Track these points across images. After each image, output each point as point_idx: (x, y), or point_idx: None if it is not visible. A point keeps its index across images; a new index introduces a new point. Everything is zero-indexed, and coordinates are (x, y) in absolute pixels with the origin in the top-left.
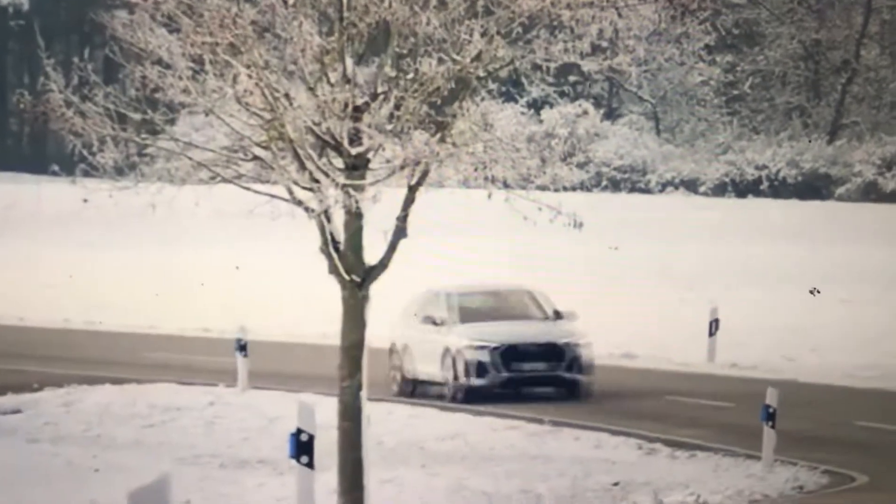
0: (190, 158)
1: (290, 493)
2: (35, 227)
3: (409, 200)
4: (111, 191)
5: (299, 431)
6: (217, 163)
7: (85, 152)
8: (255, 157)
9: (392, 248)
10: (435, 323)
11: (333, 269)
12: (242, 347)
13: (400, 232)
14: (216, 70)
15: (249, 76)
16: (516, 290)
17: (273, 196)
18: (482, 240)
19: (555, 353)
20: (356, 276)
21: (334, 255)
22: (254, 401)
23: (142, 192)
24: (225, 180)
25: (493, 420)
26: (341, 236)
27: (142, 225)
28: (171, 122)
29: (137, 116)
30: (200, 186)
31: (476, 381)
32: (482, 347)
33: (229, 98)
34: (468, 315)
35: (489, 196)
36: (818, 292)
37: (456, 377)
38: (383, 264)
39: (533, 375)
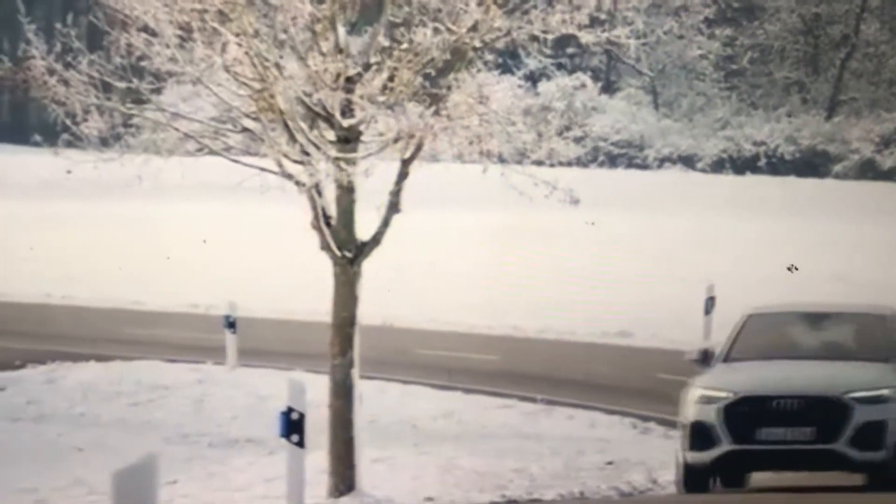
0: (177, 129)
1: (281, 472)
2: (15, 199)
3: (402, 175)
4: (96, 162)
5: (289, 410)
6: (205, 134)
7: (68, 122)
8: (245, 129)
9: (385, 223)
10: (705, 361)
11: (325, 245)
12: (231, 324)
13: (393, 207)
14: (204, 38)
15: (239, 45)
16: (864, 315)
17: (263, 169)
18: (474, 215)
19: (831, 413)
20: (348, 251)
21: (326, 230)
22: (243, 379)
23: (127, 163)
24: (213, 152)
25: (487, 399)
26: (333, 211)
27: (127, 198)
28: (158, 91)
29: (123, 85)
30: (187, 158)
31: (691, 455)
32: (711, 400)
33: (218, 67)
34: (753, 348)
35: (484, 171)
36: (796, 269)
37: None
38: (376, 240)
39: (787, 450)
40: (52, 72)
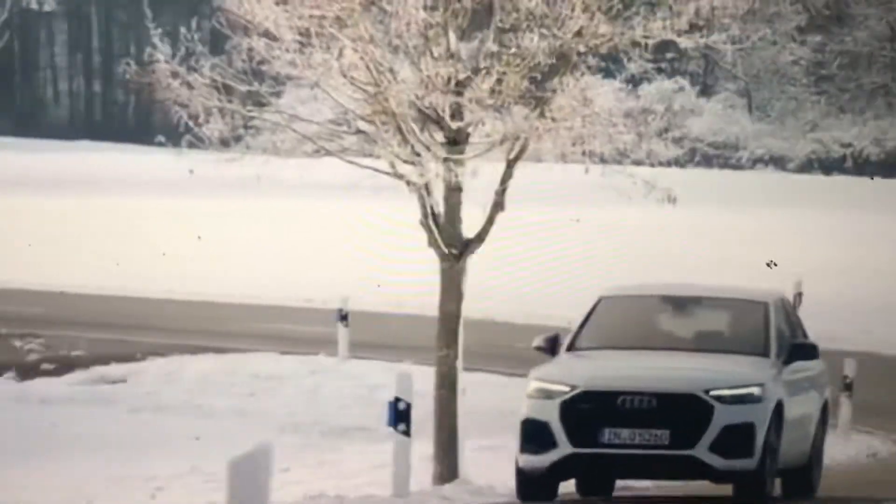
0: (295, 131)
1: (388, 460)
2: (139, 197)
3: (507, 175)
4: (217, 162)
5: (397, 400)
6: (322, 136)
7: (191, 123)
8: (359, 131)
9: (490, 221)
10: (552, 350)
11: (432, 242)
12: (344, 317)
13: (498, 206)
14: (322, 43)
15: (355, 50)
16: (741, 301)
17: (376, 170)
18: (571, 210)
19: (688, 414)
20: (454, 248)
21: (434, 228)
22: (354, 370)
23: (247, 164)
24: (329, 153)
25: None
26: (441, 209)
27: (246, 197)
28: (278, 94)
29: (243, 88)
30: (305, 159)
31: (525, 459)
32: (548, 395)
33: (335, 71)
34: (604, 336)
35: (586, 171)
36: (775, 265)
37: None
38: (481, 238)
39: (637, 454)
40: (175, 75)
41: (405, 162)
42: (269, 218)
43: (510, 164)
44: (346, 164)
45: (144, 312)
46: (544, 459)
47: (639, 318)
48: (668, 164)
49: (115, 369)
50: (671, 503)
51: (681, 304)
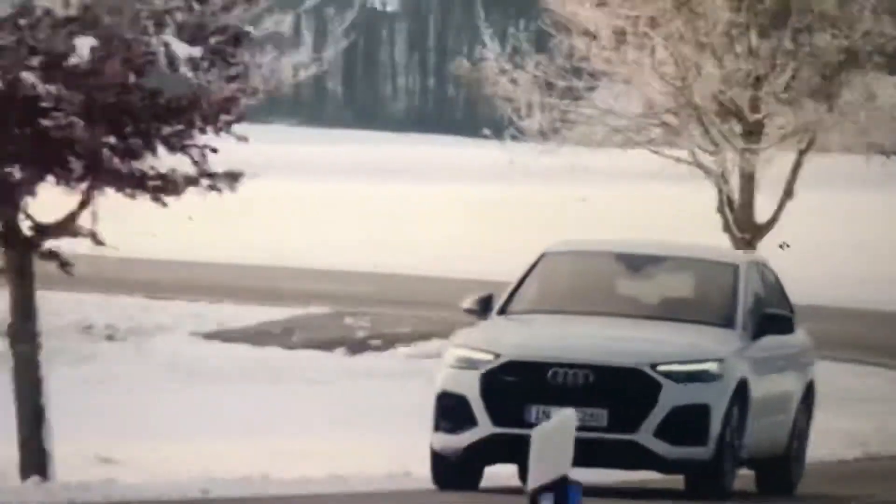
0: (608, 124)
1: None
2: (463, 185)
3: (797, 164)
4: (535, 153)
5: None
6: (630, 128)
7: (514, 117)
8: (664, 123)
9: (780, 208)
10: (481, 311)
11: (727, 228)
12: None
13: (788, 193)
14: (636, 41)
15: (665, 47)
16: (707, 262)
17: (677, 159)
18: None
19: (631, 392)
20: (747, 233)
21: (729, 214)
22: None
23: (562, 155)
24: (637, 145)
25: (853, 367)
26: (736, 197)
27: (551, 186)
28: (592, 89)
29: (562, 84)
30: (612, 150)
31: (439, 439)
32: (469, 364)
33: (646, 67)
34: (543, 298)
35: (867, 161)
36: (787, 246)
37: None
38: (771, 223)
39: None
40: (503, 71)
41: (705, 152)
42: (574, 203)
43: (800, 155)
44: (649, 154)
45: (466, 291)
46: (461, 440)
47: (586, 279)
48: None
49: (434, 345)
50: (627, 496)
51: (637, 263)
